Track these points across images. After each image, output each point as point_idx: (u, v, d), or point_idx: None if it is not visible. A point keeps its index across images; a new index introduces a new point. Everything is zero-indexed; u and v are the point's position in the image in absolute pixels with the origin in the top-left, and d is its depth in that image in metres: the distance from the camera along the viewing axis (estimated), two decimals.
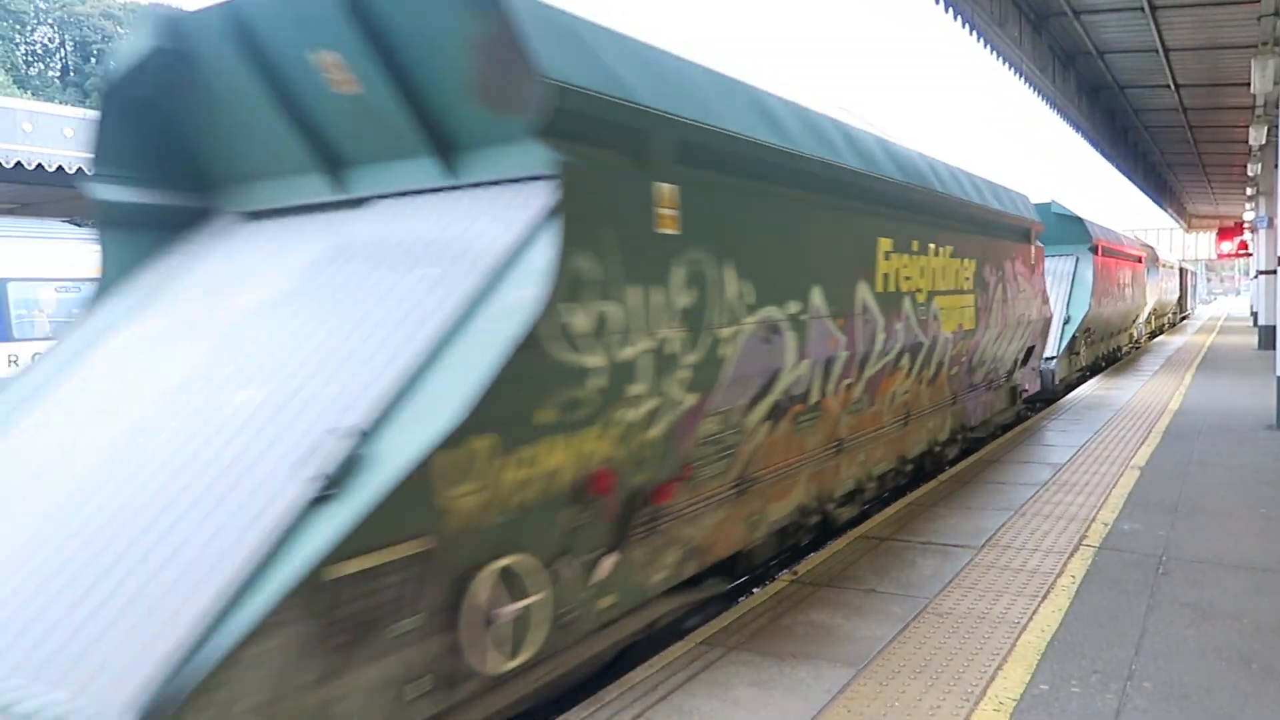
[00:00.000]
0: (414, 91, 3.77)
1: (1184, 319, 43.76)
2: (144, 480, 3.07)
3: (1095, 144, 19.82)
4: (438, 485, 2.87)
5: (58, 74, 78.89)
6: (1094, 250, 14.21)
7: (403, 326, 3.33)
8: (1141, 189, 30.07)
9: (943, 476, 7.88)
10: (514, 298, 3.26)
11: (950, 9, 10.60)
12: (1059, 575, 5.05)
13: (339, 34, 3.71)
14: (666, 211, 3.99)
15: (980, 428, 9.42)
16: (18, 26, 74.21)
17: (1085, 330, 14.12)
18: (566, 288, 3.35)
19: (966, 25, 11.20)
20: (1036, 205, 11.39)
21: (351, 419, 2.94)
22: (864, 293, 5.95)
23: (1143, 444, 9.14)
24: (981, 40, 11.83)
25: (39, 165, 14.47)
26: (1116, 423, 10.55)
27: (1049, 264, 12.52)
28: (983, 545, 5.69)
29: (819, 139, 5.47)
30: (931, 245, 7.19)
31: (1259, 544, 5.60)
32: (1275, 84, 10.60)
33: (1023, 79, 13.85)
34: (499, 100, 3.64)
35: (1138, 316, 21.49)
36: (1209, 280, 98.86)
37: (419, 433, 2.87)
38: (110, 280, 4.42)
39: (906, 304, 6.65)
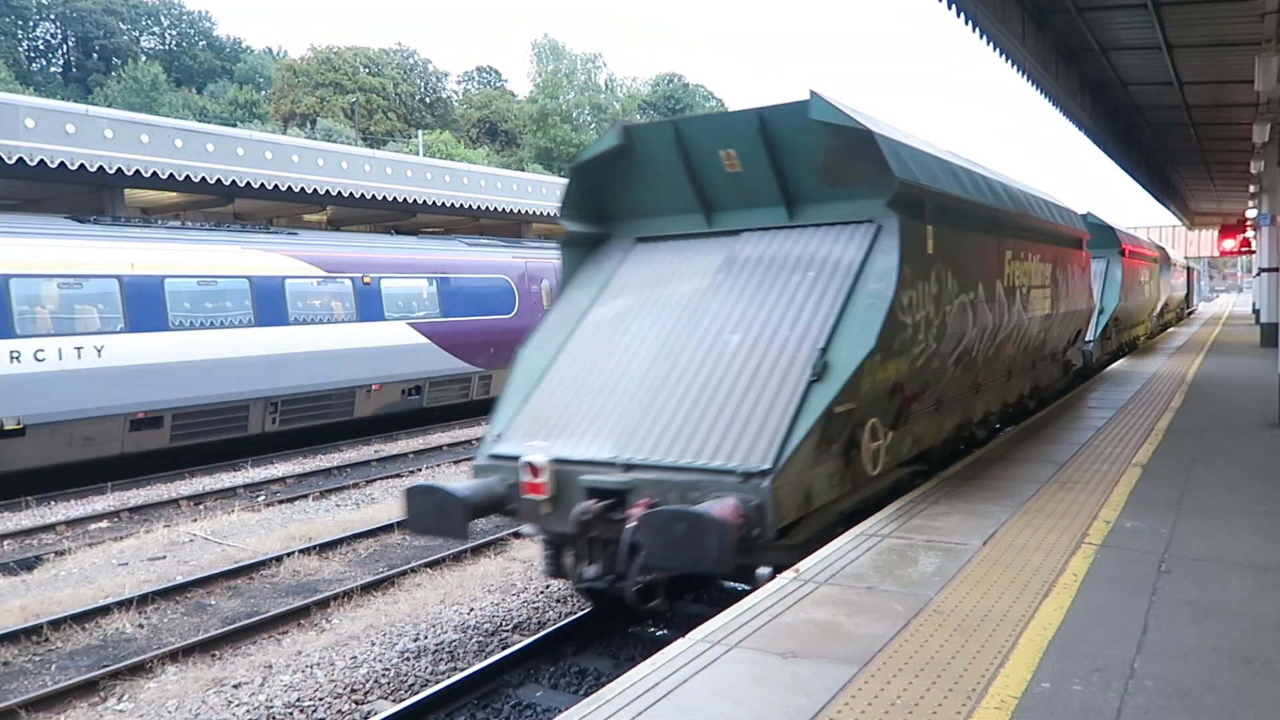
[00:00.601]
0: (779, 170, 6.70)
1: (1190, 314, 44.05)
2: (705, 375, 5.91)
3: (1098, 141, 19.77)
4: (863, 376, 5.69)
5: (60, 70, 78.82)
6: (1122, 254, 16.08)
7: (811, 301, 6.14)
8: (1144, 186, 30.00)
9: (944, 474, 7.89)
10: (878, 287, 6.05)
11: (954, 6, 10.57)
12: (1061, 573, 5.05)
13: (743, 141, 6.65)
14: (930, 241, 6.76)
15: (1046, 389, 12.16)
16: (20, 22, 74.14)
17: (1115, 320, 16.15)
18: (901, 282, 6.08)
19: (970, 22, 11.16)
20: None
21: (816, 344, 5.79)
22: (999, 286, 8.56)
23: (1145, 441, 9.14)
24: (985, 38, 11.80)
25: (41, 161, 14.49)
26: (1119, 420, 10.55)
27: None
28: (985, 543, 5.69)
29: (976, 186, 8.10)
30: (1028, 253, 9.76)
31: (1260, 542, 5.60)
32: (1278, 81, 10.56)
33: (1025, 76, 13.82)
34: (846, 181, 6.57)
35: (1154, 309, 23.90)
36: (1211, 277, 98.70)
37: (854, 351, 5.68)
38: (568, 277, 7.41)
39: (1017, 295, 9.21)
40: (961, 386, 8.15)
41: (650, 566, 5.19)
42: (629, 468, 5.51)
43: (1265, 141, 17.18)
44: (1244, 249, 36.83)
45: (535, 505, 5.71)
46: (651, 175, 7.15)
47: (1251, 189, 28.25)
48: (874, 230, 6.41)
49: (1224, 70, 15.13)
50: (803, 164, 6.61)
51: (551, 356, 6.63)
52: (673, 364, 6.06)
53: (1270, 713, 3.40)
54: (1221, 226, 39.83)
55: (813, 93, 6.17)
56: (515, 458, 5.81)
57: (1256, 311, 27.41)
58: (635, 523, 5.02)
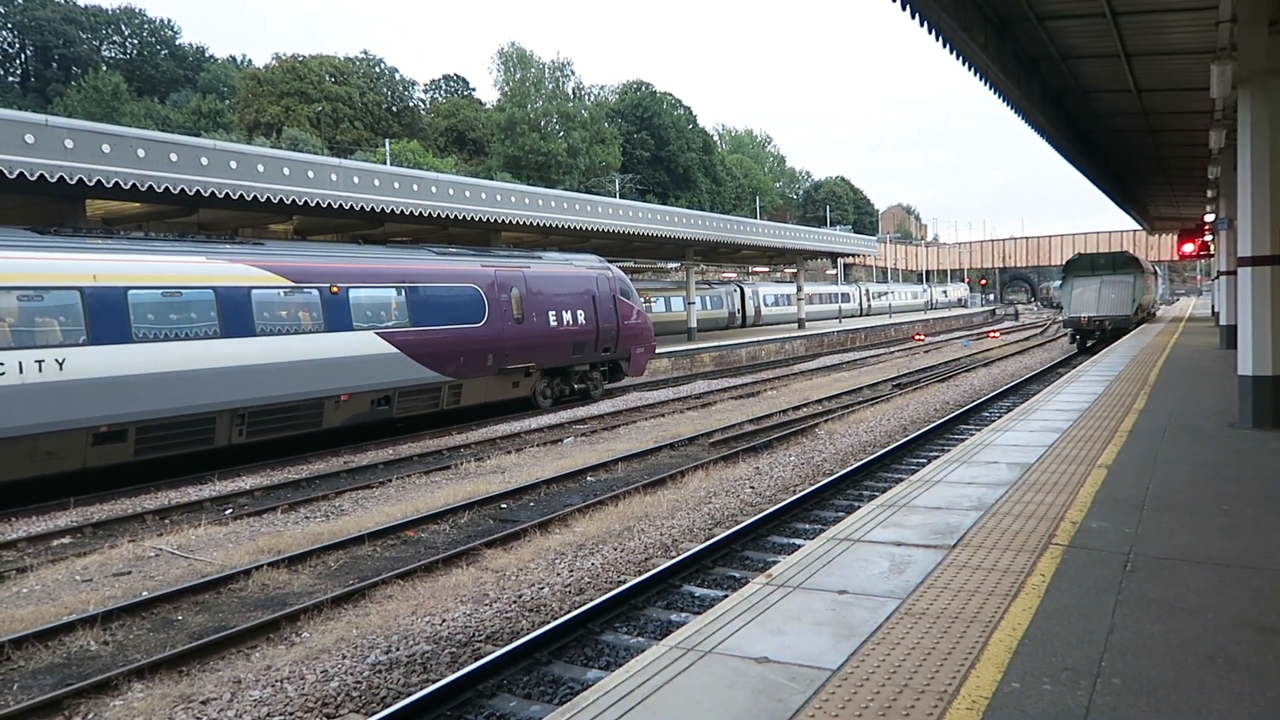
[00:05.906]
0: (1114, 262, 33.90)
1: (1152, 314, 47.72)
2: (1110, 298, 33.19)
3: (1059, 148, 20.10)
4: (1140, 301, 34.20)
5: (18, 80, 77.49)
6: (1142, 272, 31.82)
7: (1123, 289, 32.71)
8: (1105, 192, 30.56)
9: (912, 478, 7.96)
10: (1139, 285, 33.33)
11: (917, 15, 10.69)
12: (1029, 574, 5.12)
13: (1106, 256, 34.63)
14: (1146, 279, 36.71)
15: (1143, 314, 38.62)
16: None
17: (1139, 307, 32.13)
18: (1142, 285, 34.10)
19: (933, 31, 11.30)
20: (1115, 252, 34.47)
21: (1136, 294, 33.30)
22: (1146, 286, 36.97)
23: (1109, 444, 9.28)
24: (948, 47, 11.95)
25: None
26: (1082, 423, 10.70)
27: (1122, 277, 32.22)
28: (954, 545, 5.75)
29: (1149, 265, 43.86)
30: (1149, 279, 38.75)
31: (1222, 540, 5.71)
32: (1233, 88, 10.78)
33: (988, 84, 14.01)
34: (1128, 267, 33.15)
35: (1151, 301, 42.64)
36: (1170, 281, 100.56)
37: (1139, 297, 33.64)
38: (1063, 285, 35.26)
39: (1152, 292, 43.13)
40: (1143, 309, 36.70)
41: (1115, 328, 32.09)
42: (1101, 315, 32.26)
43: (1221, 147, 17.54)
44: (1202, 253, 37.64)
45: (1083, 324, 32.52)
46: (1081, 264, 33.79)
47: (1209, 194, 28.85)
48: (1134, 275, 32.49)
49: (1181, 78, 15.45)
50: (1120, 261, 33.19)
51: (1069, 297, 33.06)
52: (1101, 297, 32.38)
53: (1233, 707, 3.46)
54: (1181, 231, 40.68)
55: (1125, 250, 40.54)
56: (1077, 317, 32.50)
57: (1216, 314, 27.97)
58: (1109, 321, 32.06)
